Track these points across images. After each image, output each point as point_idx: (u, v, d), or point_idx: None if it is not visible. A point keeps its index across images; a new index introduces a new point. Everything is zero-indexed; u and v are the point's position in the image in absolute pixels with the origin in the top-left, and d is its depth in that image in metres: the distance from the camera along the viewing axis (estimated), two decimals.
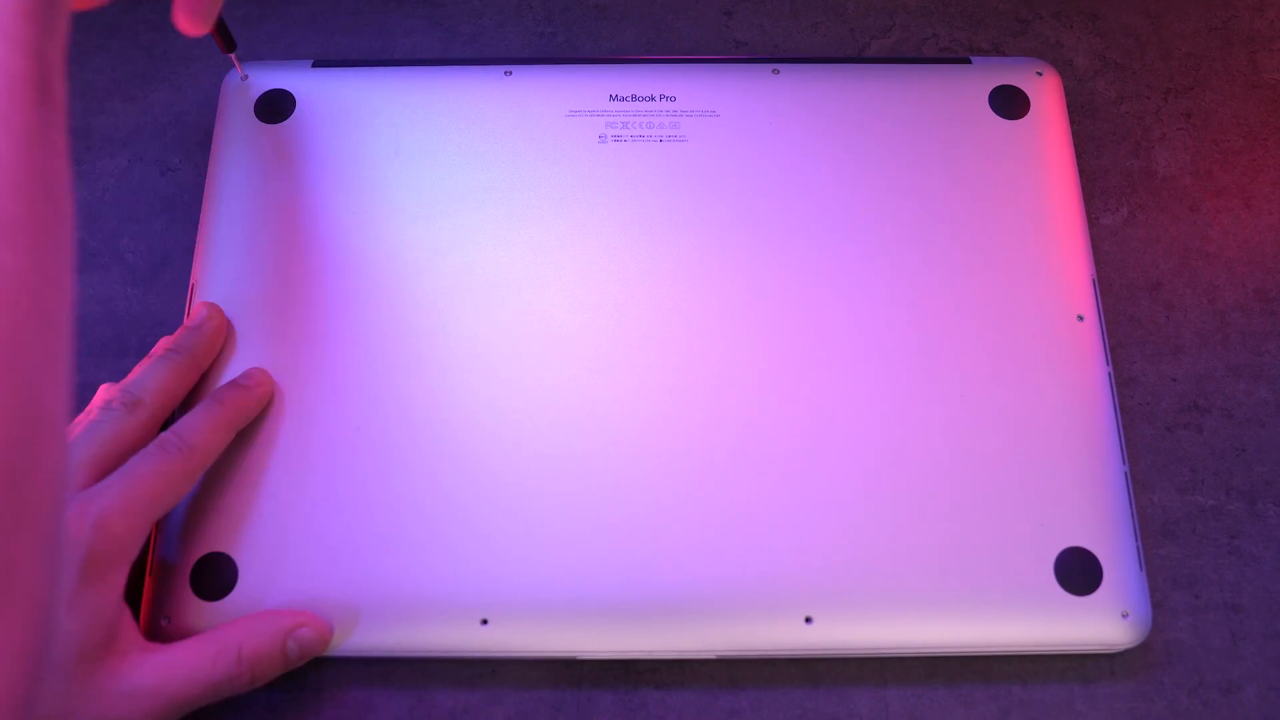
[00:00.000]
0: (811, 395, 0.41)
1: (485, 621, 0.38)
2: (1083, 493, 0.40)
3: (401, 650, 0.38)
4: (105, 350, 0.44)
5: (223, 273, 0.43)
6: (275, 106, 0.46)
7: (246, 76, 0.46)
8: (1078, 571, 0.39)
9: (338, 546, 0.39)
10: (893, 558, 0.39)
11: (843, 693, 0.40)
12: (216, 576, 0.39)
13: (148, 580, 0.39)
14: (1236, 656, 0.40)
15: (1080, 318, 0.43)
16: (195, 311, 0.41)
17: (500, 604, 0.38)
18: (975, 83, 0.47)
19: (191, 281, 0.43)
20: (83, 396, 0.44)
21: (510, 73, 0.47)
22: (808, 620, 0.38)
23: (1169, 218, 0.47)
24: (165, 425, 0.40)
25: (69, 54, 0.49)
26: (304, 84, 0.47)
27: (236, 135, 0.46)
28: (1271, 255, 0.46)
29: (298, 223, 0.44)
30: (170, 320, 0.45)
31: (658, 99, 0.46)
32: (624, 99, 0.46)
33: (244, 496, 0.40)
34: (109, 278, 0.46)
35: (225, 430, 0.39)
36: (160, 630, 0.38)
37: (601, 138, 0.45)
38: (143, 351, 0.44)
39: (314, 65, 0.47)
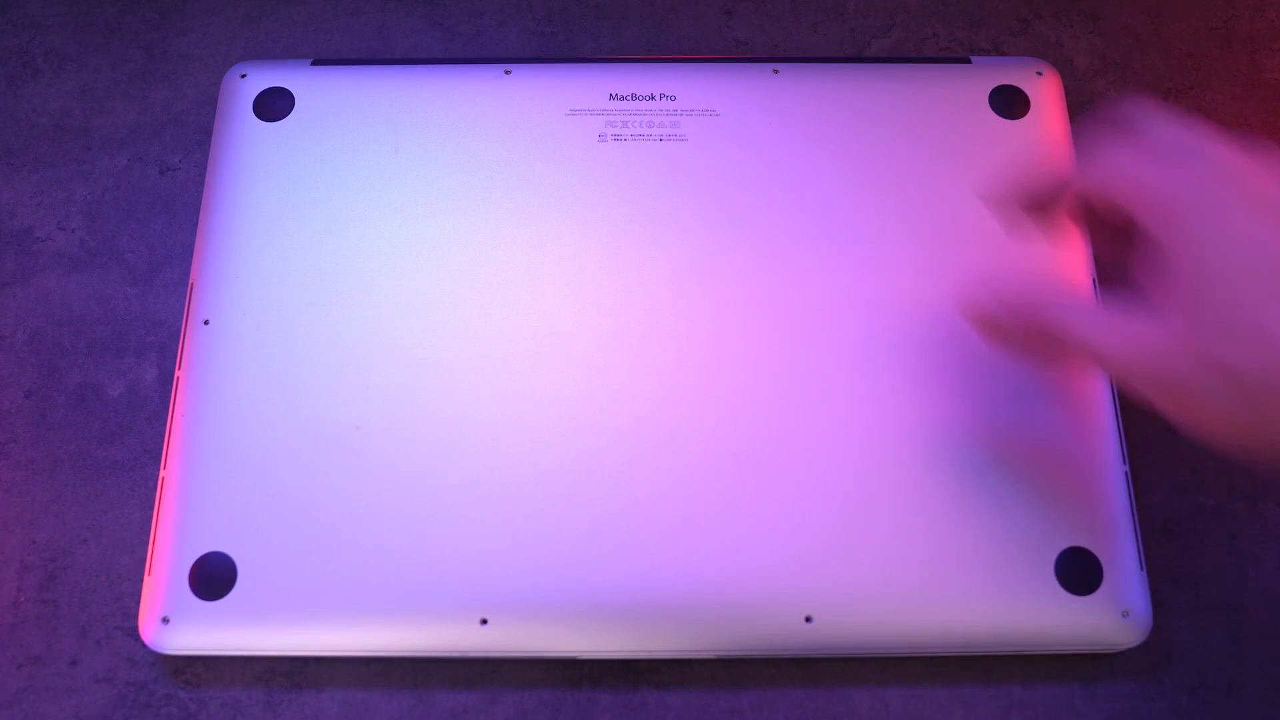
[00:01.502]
0: (811, 395, 0.41)
1: (485, 621, 0.38)
2: (1083, 492, 0.40)
3: (401, 650, 0.38)
4: (105, 350, 0.44)
5: (222, 272, 0.43)
6: (274, 105, 0.46)
7: None
8: (1078, 571, 0.39)
9: (337, 545, 0.39)
10: (893, 557, 0.39)
11: (843, 693, 0.40)
12: (216, 576, 0.39)
13: (146, 580, 0.39)
14: (1236, 656, 0.40)
15: None
16: None
17: (500, 604, 0.38)
18: (975, 82, 0.47)
19: (191, 281, 0.43)
20: (83, 396, 0.44)
21: (510, 72, 0.47)
22: (808, 620, 0.38)
23: None
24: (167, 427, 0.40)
25: (69, 53, 0.49)
26: (303, 82, 0.46)
27: (236, 134, 0.46)
28: None
29: (297, 222, 0.44)
30: (170, 320, 0.45)
31: (658, 98, 0.46)
32: (624, 98, 0.46)
33: (243, 495, 0.40)
34: (109, 278, 0.46)
35: None
36: (160, 630, 0.38)
37: (601, 137, 0.45)
38: (143, 351, 0.44)
39: (313, 64, 0.47)
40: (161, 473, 0.41)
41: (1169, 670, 0.40)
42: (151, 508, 0.42)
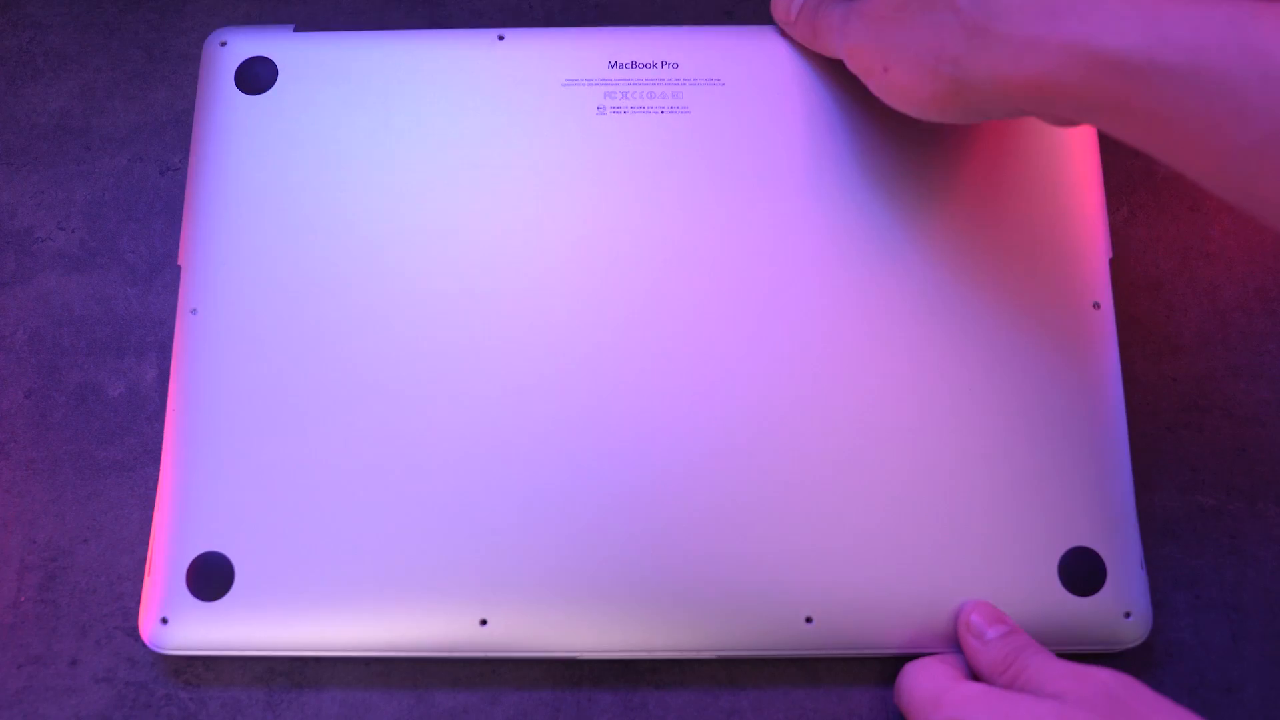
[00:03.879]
0: (814, 389, 0.40)
1: (484, 622, 0.38)
2: (1090, 491, 0.39)
3: (401, 650, 0.38)
4: (105, 350, 0.44)
5: (209, 259, 0.42)
6: (256, 76, 0.44)
7: None
8: (1083, 572, 0.39)
9: (336, 544, 0.39)
10: (895, 557, 0.39)
11: (843, 693, 0.40)
12: (213, 576, 0.39)
13: (146, 580, 0.39)
14: (1236, 656, 0.40)
15: (1096, 305, 0.41)
16: None
17: (500, 604, 0.38)
18: None
19: (180, 263, 0.42)
20: (83, 396, 0.44)
21: (503, 38, 0.45)
22: (808, 621, 0.38)
23: (1169, 218, 0.47)
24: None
25: (70, 53, 0.49)
26: (286, 51, 0.44)
27: (217, 108, 0.44)
28: (1271, 255, 0.46)
29: (285, 202, 0.42)
30: (170, 320, 0.45)
31: (659, 66, 0.44)
32: (623, 66, 0.44)
33: (240, 495, 0.39)
34: (109, 278, 0.46)
35: None
36: (159, 630, 0.38)
37: (600, 109, 0.43)
38: (143, 351, 0.44)
39: (296, 30, 0.45)
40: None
41: (1169, 670, 0.40)
42: (151, 508, 0.42)
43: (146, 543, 0.41)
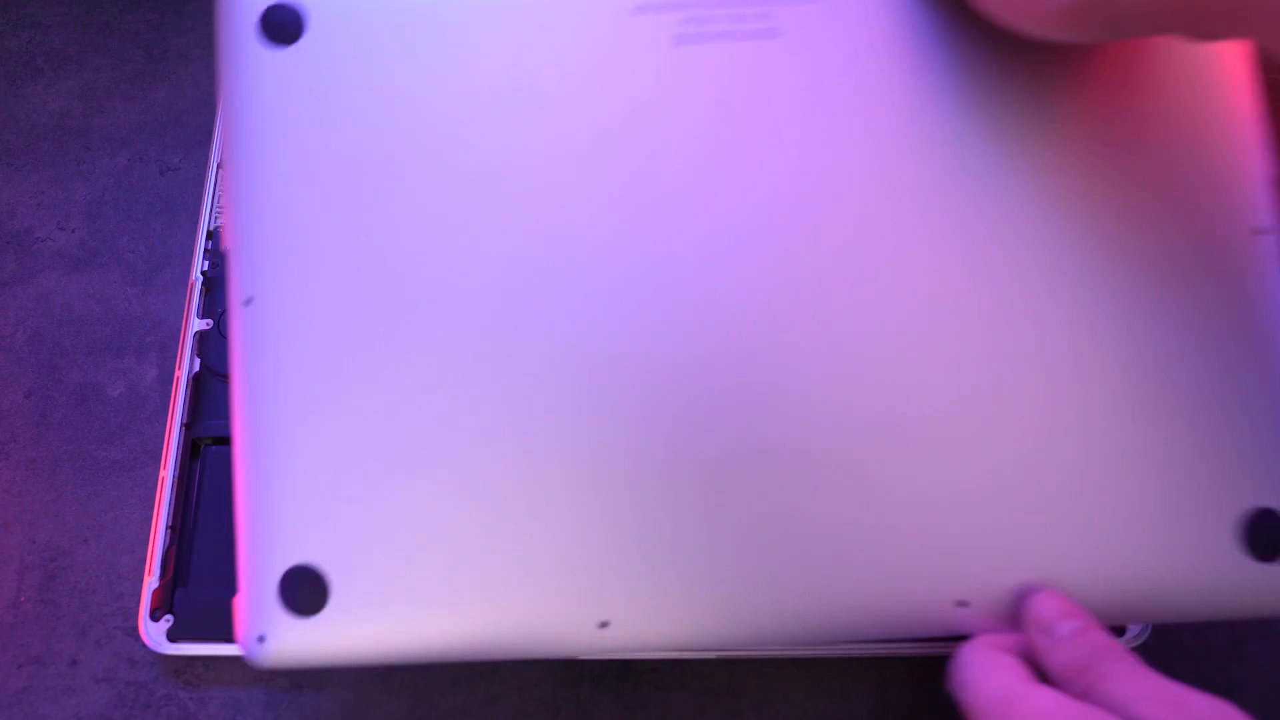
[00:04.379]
0: (946, 345, 0.35)
1: (605, 624, 0.34)
2: (1272, 444, 0.34)
3: (516, 654, 0.34)
4: (105, 350, 0.44)
5: (259, 236, 0.36)
6: (281, 26, 0.38)
7: None
8: (1264, 534, 0.34)
9: (430, 544, 0.34)
10: (1055, 529, 0.34)
11: (843, 692, 0.40)
12: (307, 590, 0.34)
13: (237, 598, 0.35)
14: (1236, 656, 0.40)
15: (1259, 230, 0.35)
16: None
17: (621, 603, 0.34)
18: None
19: (225, 247, 0.37)
20: (83, 396, 0.44)
21: None
22: (962, 604, 0.34)
23: None
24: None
25: (69, 53, 0.49)
26: None
27: (241, 65, 0.37)
28: None
29: (335, 169, 0.36)
30: (170, 320, 0.45)
31: None
32: None
33: (329, 501, 0.35)
34: (109, 278, 0.46)
35: None
36: (257, 649, 0.35)
37: (677, 39, 0.36)
38: (143, 351, 0.44)
39: None
40: (161, 473, 0.41)
41: (1169, 670, 0.40)
42: (151, 508, 0.42)
43: (146, 543, 0.41)
